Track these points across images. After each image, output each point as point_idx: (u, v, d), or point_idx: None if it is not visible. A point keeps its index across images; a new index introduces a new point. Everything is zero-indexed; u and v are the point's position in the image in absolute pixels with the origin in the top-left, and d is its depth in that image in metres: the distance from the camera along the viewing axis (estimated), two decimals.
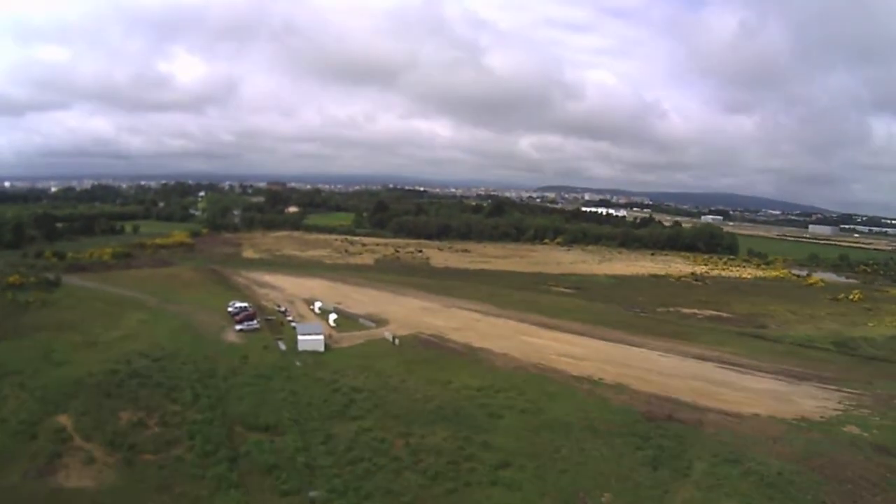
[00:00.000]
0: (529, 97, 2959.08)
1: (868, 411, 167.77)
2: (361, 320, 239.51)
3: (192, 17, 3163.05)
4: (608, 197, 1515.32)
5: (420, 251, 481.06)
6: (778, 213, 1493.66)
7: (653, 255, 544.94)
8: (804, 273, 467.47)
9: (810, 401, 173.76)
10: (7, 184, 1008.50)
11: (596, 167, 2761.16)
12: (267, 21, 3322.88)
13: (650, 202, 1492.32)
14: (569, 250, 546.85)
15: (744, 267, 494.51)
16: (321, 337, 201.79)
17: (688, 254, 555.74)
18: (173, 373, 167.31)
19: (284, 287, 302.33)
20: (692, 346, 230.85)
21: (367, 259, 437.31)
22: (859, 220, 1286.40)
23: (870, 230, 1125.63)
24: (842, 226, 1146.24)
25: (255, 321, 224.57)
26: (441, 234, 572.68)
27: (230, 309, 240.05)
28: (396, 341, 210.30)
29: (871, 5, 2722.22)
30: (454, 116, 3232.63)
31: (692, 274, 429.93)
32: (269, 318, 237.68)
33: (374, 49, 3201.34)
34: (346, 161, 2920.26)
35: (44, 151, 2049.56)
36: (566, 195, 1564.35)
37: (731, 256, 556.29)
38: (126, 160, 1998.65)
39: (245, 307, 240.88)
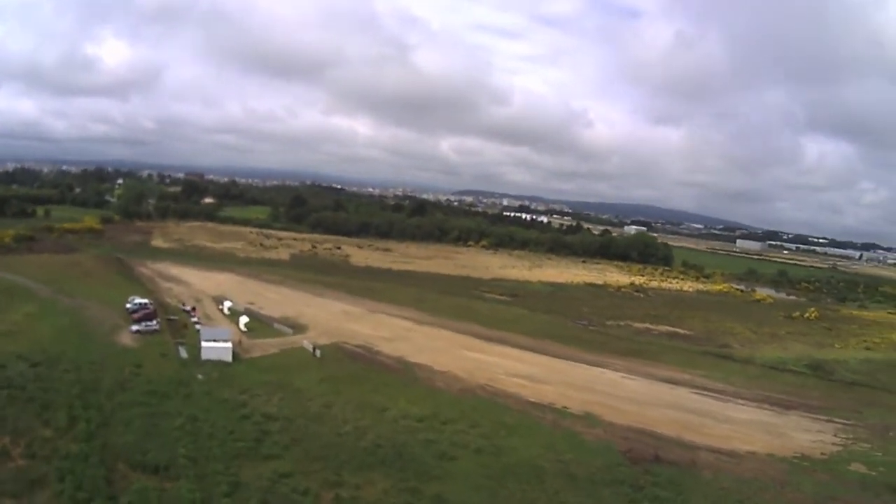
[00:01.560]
0: (454, 99, 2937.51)
1: (868, 446, 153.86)
2: (276, 325, 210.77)
3: None
4: (527, 203, 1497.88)
5: (339, 248, 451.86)
6: (700, 226, 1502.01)
7: (584, 262, 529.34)
8: (747, 288, 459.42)
9: (804, 434, 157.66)
10: None
11: (515, 173, 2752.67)
12: (194, 4, 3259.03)
13: (569, 210, 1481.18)
14: (495, 254, 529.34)
15: (682, 279, 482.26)
16: (229, 345, 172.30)
17: (621, 263, 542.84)
18: (51, 383, 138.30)
19: (192, 281, 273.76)
20: (657, 367, 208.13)
21: (283, 254, 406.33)
22: (785, 237, 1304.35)
23: (797, 247, 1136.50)
24: (769, 242, 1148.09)
25: (154, 321, 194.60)
26: (360, 231, 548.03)
27: (128, 305, 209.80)
28: (317, 352, 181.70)
29: (812, 26, 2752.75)
30: (376, 115, 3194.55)
31: (632, 284, 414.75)
32: (172, 317, 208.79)
33: (301, 40, 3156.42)
34: (265, 155, 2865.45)
35: None
36: (484, 200, 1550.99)
37: (667, 268, 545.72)
38: (50, 143, 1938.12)
39: (145, 304, 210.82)
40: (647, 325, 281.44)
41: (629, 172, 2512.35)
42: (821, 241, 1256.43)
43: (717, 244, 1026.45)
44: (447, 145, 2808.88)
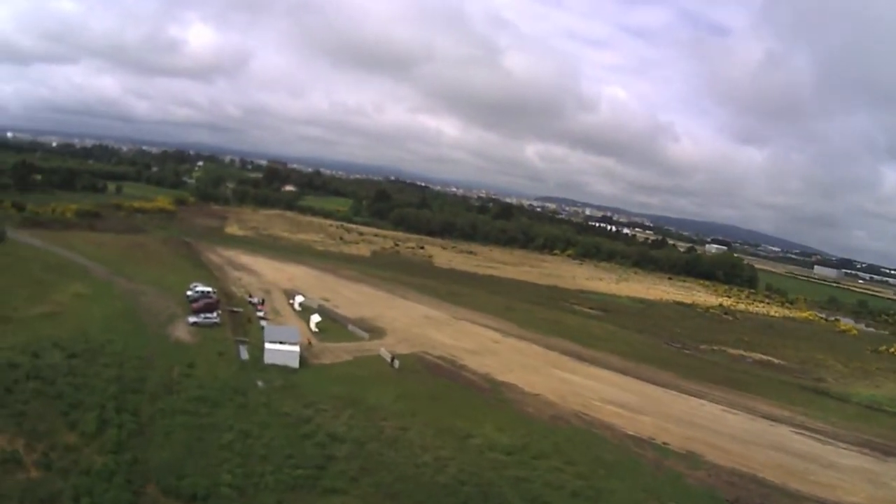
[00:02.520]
0: (541, 104, 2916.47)
1: None
2: (351, 327, 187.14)
3: None
4: (609, 214, 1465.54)
5: (422, 247, 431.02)
6: (777, 249, 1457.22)
7: (670, 279, 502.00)
8: (831, 317, 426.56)
9: None
10: (10, 134, 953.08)
11: (598, 183, 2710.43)
12: None
13: (651, 224, 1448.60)
14: (581, 264, 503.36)
15: (767, 303, 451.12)
16: (297, 348, 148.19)
17: (706, 282, 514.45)
18: (87, 379, 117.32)
19: (263, 272, 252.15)
20: (756, 400, 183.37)
21: (364, 250, 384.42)
22: (858, 265, 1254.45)
23: (871, 277, 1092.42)
24: (844, 270, 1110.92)
25: (214, 314, 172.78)
26: (444, 231, 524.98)
27: (189, 293, 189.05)
28: (396, 363, 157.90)
29: None
30: (463, 115, 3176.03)
31: (720, 306, 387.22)
32: (235, 309, 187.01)
33: (390, 36, 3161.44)
34: (349, 148, 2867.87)
35: (49, 105, 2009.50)
36: (567, 208, 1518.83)
37: (752, 290, 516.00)
38: (130, 124, 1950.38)
39: (207, 293, 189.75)
40: (741, 352, 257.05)
41: (711, 190, 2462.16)
42: (893, 272, 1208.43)
43: (794, 268, 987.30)
44: (532, 151, 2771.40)
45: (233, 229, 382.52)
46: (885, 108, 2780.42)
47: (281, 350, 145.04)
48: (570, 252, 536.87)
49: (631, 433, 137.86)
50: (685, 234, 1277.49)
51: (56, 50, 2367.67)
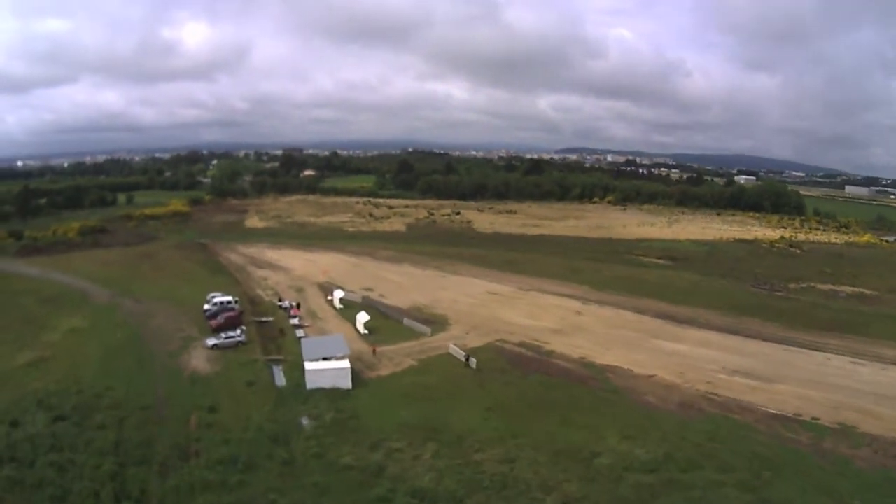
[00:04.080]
0: (548, 55, 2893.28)
1: None
2: (407, 321, 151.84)
3: None
4: (631, 157, 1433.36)
5: (458, 213, 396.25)
6: (802, 174, 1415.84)
7: (718, 214, 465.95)
8: (889, 238, 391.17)
9: None
10: (20, 163, 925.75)
11: (615, 127, 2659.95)
12: None
13: (673, 163, 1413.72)
14: (625, 210, 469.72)
15: (823, 231, 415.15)
16: (346, 363, 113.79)
17: (755, 214, 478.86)
18: (76, 453, 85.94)
19: (292, 267, 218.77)
20: (878, 344, 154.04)
21: (398, 224, 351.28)
22: (884, 181, 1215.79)
23: None
24: (874, 188, 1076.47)
25: (238, 331, 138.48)
26: (475, 194, 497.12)
27: (207, 307, 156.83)
28: (472, 361, 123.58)
29: None
30: (471, 76, 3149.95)
31: (782, 238, 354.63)
32: (264, 319, 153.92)
33: (386, 4, 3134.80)
34: (362, 126, 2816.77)
35: (56, 128, 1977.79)
36: (588, 156, 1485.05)
37: (802, 217, 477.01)
38: (140, 133, 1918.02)
39: (228, 303, 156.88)
40: (831, 287, 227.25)
41: (728, 122, 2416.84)
42: None
43: (826, 191, 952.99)
44: (545, 103, 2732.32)
45: (253, 222, 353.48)
46: (891, 21, 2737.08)
47: (327, 370, 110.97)
48: (609, 199, 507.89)
49: (774, 411, 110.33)
50: (709, 168, 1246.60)
51: (52, 72, 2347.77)
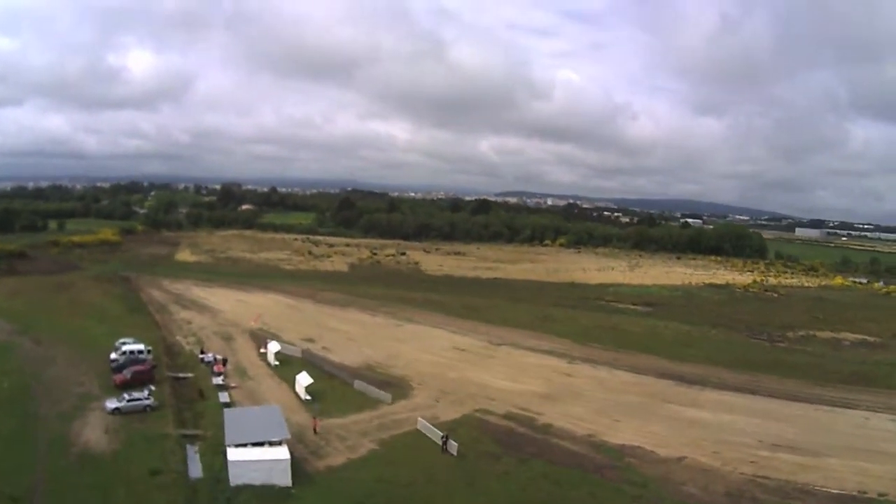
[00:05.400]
0: (493, 96, 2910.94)
1: None
2: (358, 383, 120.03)
3: (140, 2, 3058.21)
4: (572, 202, 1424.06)
5: (403, 254, 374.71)
6: (746, 218, 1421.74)
7: (678, 258, 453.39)
8: (861, 280, 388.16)
9: None
10: None
11: (556, 171, 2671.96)
12: (219, 7, 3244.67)
13: (615, 207, 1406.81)
14: (579, 253, 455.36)
15: (790, 274, 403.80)
16: (285, 453, 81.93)
17: (716, 257, 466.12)
18: None
19: (221, 308, 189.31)
20: None
21: (339, 264, 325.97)
22: (831, 224, 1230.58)
23: (849, 234, 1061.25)
24: (825, 230, 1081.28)
25: (145, 392, 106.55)
26: (420, 234, 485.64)
27: (114, 355, 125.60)
28: (452, 445, 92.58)
29: (860, 2, 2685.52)
30: (414, 116, 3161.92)
31: (755, 283, 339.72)
32: (181, 375, 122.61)
33: (332, 40, 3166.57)
34: (303, 164, 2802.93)
35: (0, 150, 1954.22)
36: (528, 200, 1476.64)
37: (766, 261, 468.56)
38: (83, 160, 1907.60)
39: (140, 352, 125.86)
40: (831, 334, 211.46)
41: (672, 166, 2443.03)
42: (867, 226, 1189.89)
43: (774, 233, 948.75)
44: (487, 145, 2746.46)
45: (184, 255, 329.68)
46: (848, 62, 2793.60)
47: (257, 461, 79.20)
48: (562, 241, 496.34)
49: (836, 491, 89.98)
50: (652, 212, 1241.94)
51: None
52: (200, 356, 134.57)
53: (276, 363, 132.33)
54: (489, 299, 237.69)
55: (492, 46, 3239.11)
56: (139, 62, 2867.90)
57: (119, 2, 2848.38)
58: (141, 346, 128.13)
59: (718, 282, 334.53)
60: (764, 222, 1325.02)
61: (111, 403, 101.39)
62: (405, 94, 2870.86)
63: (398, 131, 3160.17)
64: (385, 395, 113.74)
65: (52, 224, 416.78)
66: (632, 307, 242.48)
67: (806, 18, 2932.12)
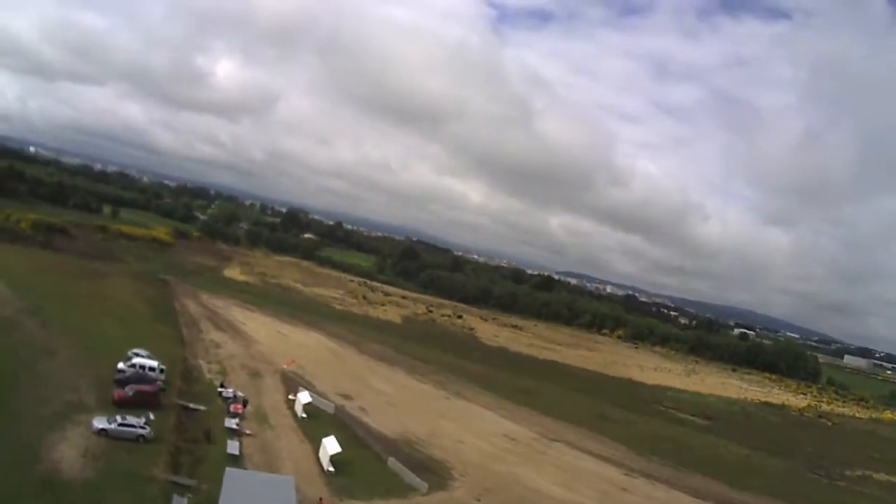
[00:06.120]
0: (572, 174, 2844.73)
1: None
2: (392, 462, 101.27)
3: (236, 10, 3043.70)
4: (630, 293, 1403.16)
5: (459, 317, 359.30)
6: (797, 336, 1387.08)
7: (734, 370, 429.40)
8: None
9: None
10: (32, 149, 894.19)
11: (620, 261, 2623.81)
12: (314, 32, 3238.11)
13: (672, 305, 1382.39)
14: (636, 348, 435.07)
15: (841, 402, 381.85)
16: None
17: (770, 375, 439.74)
18: None
19: (257, 337, 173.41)
20: None
21: (393, 314, 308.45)
22: (877, 354, 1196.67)
23: (894, 368, 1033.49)
24: (872, 360, 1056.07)
25: (141, 420, 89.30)
26: (480, 299, 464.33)
27: (121, 365, 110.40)
28: None
29: None
30: (490, 180, 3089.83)
31: (810, 407, 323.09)
32: (192, 406, 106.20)
33: (423, 86, 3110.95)
34: (371, 205, 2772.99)
35: (74, 126, 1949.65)
36: (588, 284, 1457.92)
37: (819, 385, 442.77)
38: (154, 155, 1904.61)
39: (151, 370, 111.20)
40: (886, 477, 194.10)
41: (733, 273, 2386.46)
42: None
43: (825, 358, 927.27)
44: (557, 222, 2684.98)
45: (233, 272, 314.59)
46: None
47: None
48: (620, 333, 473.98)
49: None
50: (708, 316, 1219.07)
51: (81, 68, 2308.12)
52: (220, 389, 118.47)
53: (304, 416, 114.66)
54: (544, 382, 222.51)
55: (579, 124, 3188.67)
56: (226, 70, 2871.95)
57: (214, 4, 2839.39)
58: (154, 363, 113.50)
59: (774, 401, 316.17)
60: (814, 343, 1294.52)
61: (99, 422, 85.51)
62: (485, 155, 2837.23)
63: (472, 192, 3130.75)
64: (421, 483, 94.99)
65: (107, 209, 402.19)
66: (690, 418, 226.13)
67: (888, 142, 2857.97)
